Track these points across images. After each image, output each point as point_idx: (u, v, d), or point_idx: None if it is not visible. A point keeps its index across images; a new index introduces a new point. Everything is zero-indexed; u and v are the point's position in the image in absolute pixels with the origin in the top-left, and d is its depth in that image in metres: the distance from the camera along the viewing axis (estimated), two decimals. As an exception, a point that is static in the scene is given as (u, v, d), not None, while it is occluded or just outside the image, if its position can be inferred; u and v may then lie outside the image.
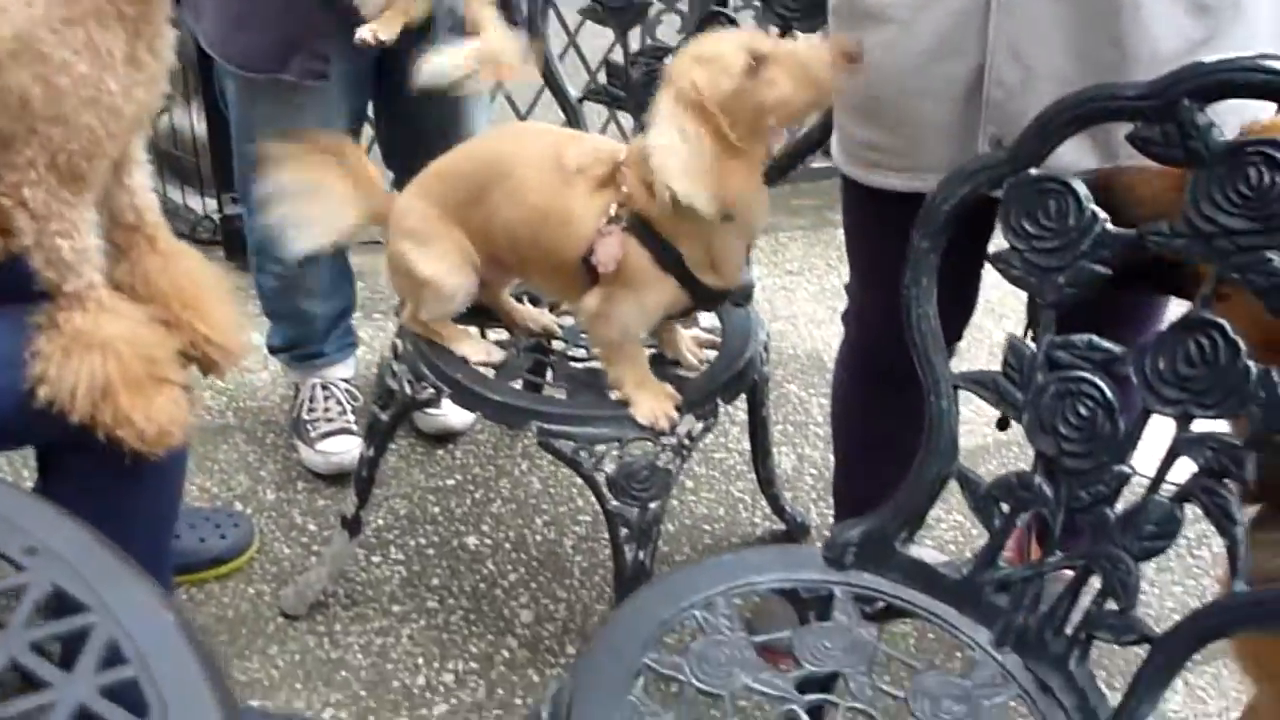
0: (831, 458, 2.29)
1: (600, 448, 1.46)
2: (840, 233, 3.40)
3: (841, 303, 2.86)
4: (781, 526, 2.10)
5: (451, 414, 2.25)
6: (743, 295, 1.70)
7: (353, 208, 1.54)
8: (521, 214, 1.43)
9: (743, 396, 1.78)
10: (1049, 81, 1.27)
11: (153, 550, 1.42)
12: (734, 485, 2.22)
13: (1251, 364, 0.97)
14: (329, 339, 2.20)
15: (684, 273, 1.40)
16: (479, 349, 1.56)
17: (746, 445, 2.01)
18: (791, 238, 3.27)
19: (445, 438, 2.28)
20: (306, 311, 2.14)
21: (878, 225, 1.52)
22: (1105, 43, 1.26)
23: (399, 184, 1.89)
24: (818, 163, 3.45)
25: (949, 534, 2.13)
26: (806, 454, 2.34)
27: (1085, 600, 1.10)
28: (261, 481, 2.14)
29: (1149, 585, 2.07)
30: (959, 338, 1.71)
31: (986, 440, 2.39)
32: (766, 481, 2.00)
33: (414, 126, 1.96)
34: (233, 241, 2.82)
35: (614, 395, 1.48)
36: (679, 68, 1.32)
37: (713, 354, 1.62)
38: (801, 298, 2.96)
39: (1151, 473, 1.04)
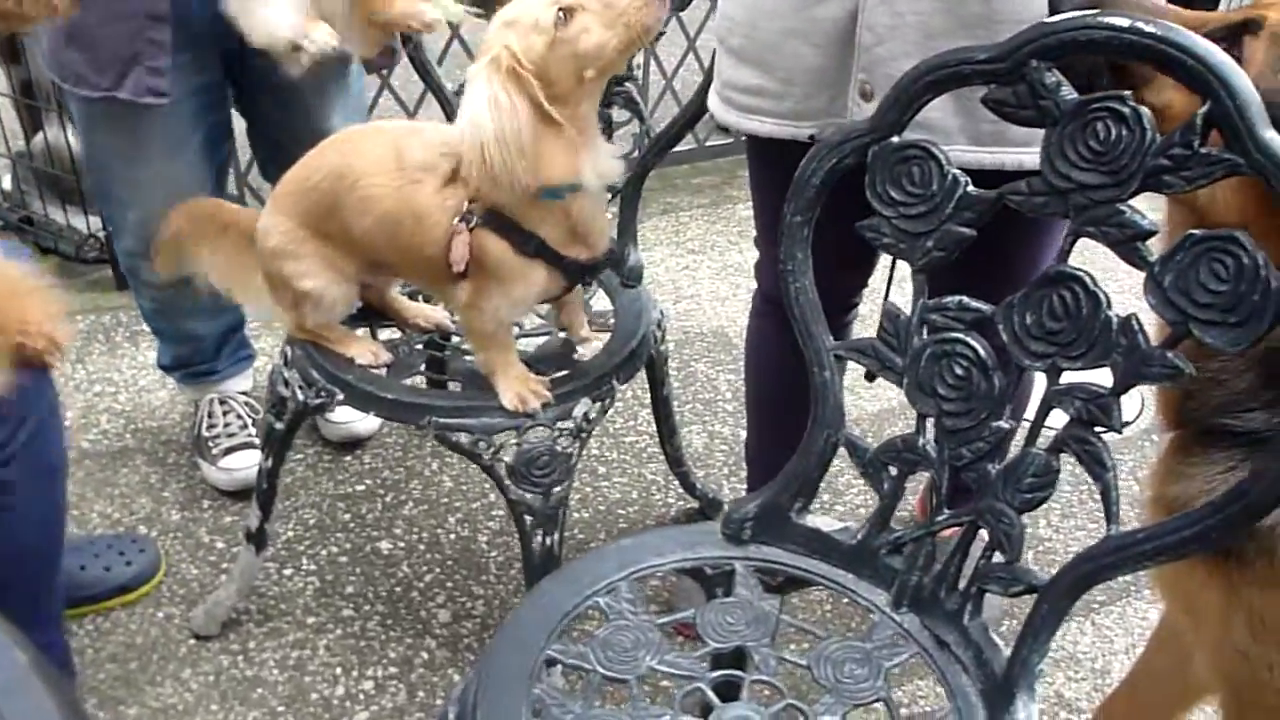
0: (742, 433, 2.32)
1: (498, 437, 1.45)
2: (740, 209, 3.44)
3: (745, 278, 2.91)
4: (695, 505, 2.11)
5: (356, 420, 2.22)
6: (633, 276, 1.71)
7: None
8: (374, 221, 1.40)
9: (645, 377, 1.79)
10: (915, 30, 1.30)
11: (34, 592, 1.38)
12: (646, 468, 2.23)
13: (1113, 314, 1.00)
14: (221, 355, 2.15)
15: (549, 254, 1.38)
16: (365, 349, 1.54)
17: (655, 425, 2.02)
18: (692, 216, 3.28)
19: (353, 444, 2.25)
20: (192, 330, 2.09)
21: (777, 175, 1.54)
22: None
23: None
24: (715, 140, 3.50)
25: (859, 498, 2.16)
26: (717, 430, 2.36)
27: (976, 554, 1.13)
28: (165, 503, 2.09)
29: (1054, 532, 2.13)
30: (857, 301, 1.74)
31: (892, 404, 2.44)
32: (675, 460, 2.01)
33: (281, 135, 1.90)
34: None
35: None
36: (490, 35, 1.28)
37: (606, 336, 1.62)
38: (704, 276, 2.97)
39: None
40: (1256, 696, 1.12)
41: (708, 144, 3.48)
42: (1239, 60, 0.96)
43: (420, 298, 1.74)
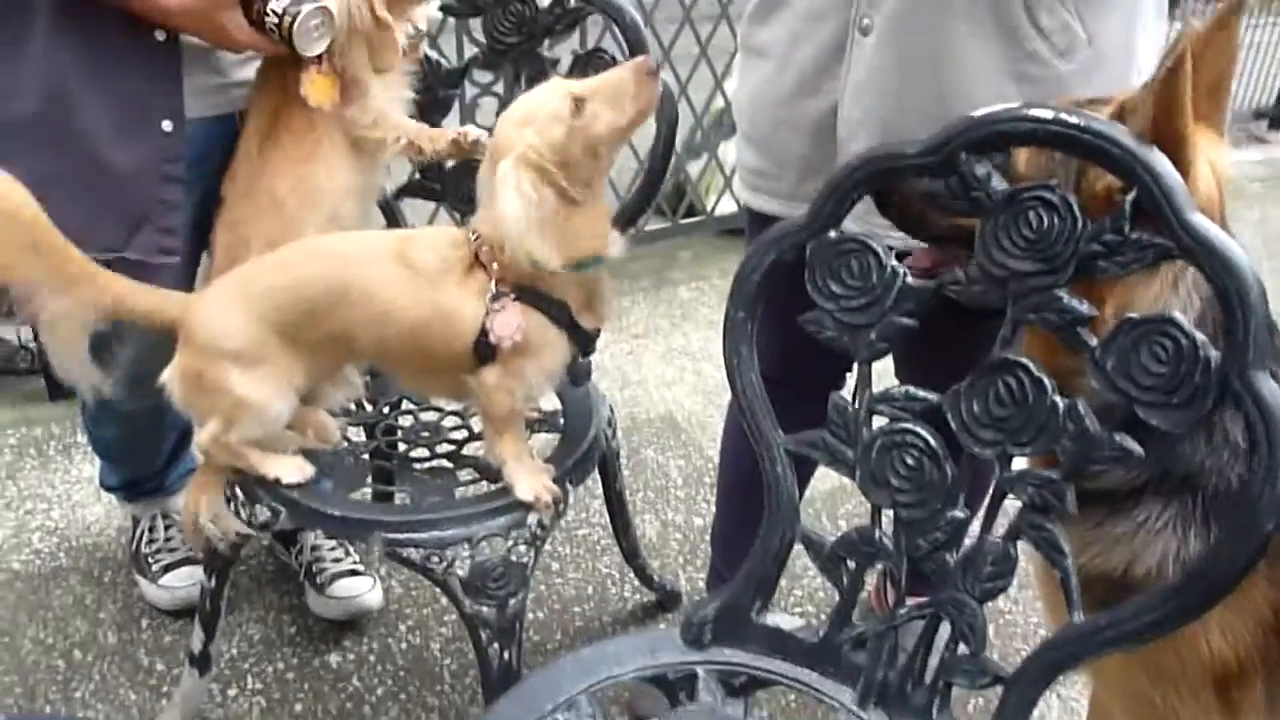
0: (696, 519, 2.30)
1: (450, 550, 1.41)
2: (681, 291, 3.46)
3: (690, 361, 2.91)
4: (653, 597, 2.07)
5: (363, 592, 1.99)
6: (581, 372, 1.69)
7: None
8: (400, 331, 1.39)
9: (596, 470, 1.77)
10: (878, 125, 1.39)
11: None
12: (600, 561, 2.19)
13: (1058, 399, 1.00)
14: (170, 470, 2.08)
15: (572, 323, 1.41)
16: (292, 467, 1.47)
17: (608, 518, 1.98)
18: (634, 301, 3.28)
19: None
20: (150, 458, 2.02)
21: None
22: (930, 97, 1.35)
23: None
24: (653, 225, 3.53)
25: (815, 581, 2.14)
26: (669, 519, 2.33)
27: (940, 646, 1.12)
28: (101, 624, 2.01)
29: (1013, 604, 2.13)
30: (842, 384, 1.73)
31: (844, 482, 2.43)
32: (631, 554, 1.98)
33: None
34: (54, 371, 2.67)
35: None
36: (506, 134, 1.33)
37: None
38: (649, 360, 2.97)
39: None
40: None
41: (646, 229, 3.50)
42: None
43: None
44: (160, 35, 1.48)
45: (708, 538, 2.15)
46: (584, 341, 1.45)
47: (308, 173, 1.54)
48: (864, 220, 1.44)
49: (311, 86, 1.51)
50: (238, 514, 1.50)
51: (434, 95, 1.74)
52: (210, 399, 1.44)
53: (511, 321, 1.36)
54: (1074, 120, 0.96)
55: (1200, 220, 0.91)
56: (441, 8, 1.70)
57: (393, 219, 1.83)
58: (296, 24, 1.44)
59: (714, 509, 1.97)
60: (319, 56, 1.49)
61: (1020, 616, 2.09)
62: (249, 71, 1.60)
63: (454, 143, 1.56)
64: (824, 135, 1.46)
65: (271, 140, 1.55)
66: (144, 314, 1.46)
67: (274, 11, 1.45)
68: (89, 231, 1.50)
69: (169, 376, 1.46)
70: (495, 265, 1.36)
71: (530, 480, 1.45)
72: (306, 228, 1.52)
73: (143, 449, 2.02)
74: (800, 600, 2.10)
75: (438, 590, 2.06)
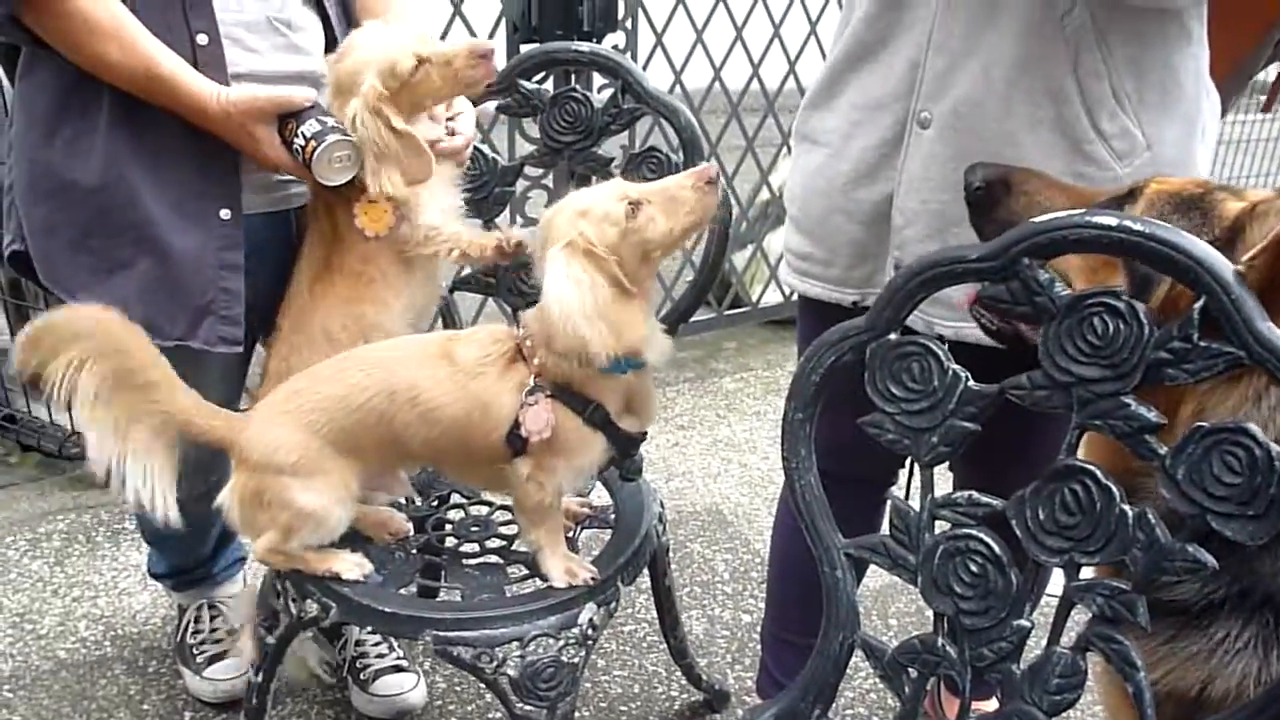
0: (744, 615, 2.27)
1: (501, 650, 1.40)
2: (725, 382, 3.46)
3: (735, 453, 2.90)
4: (700, 697, 2.03)
5: (407, 690, 1.97)
6: (632, 469, 1.69)
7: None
8: (443, 429, 1.42)
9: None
10: (936, 217, 1.42)
11: None
12: (646, 658, 2.15)
13: (1128, 508, 0.98)
14: (217, 559, 2.09)
15: (610, 425, 1.42)
16: (351, 565, 1.49)
17: (655, 614, 1.96)
18: (679, 391, 3.28)
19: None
20: (198, 546, 2.04)
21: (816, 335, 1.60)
22: None
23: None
24: (697, 315, 3.54)
25: (867, 682, 2.09)
26: (716, 615, 2.30)
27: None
28: (144, 716, 1.99)
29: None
30: (894, 480, 1.72)
31: (895, 580, 2.39)
32: (679, 652, 1.95)
33: None
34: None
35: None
36: (562, 223, 1.35)
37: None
38: (694, 452, 2.96)
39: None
40: None
41: (691, 320, 3.52)
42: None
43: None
44: None
45: (756, 635, 2.11)
46: (625, 444, 1.46)
47: (360, 311, 1.57)
48: (920, 310, 1.44)
49: (365, 216, 1.53)
50: (289, 608, 1.49)
51: (489, 192, 1.77)
52: (270, 513, 1.45)
53: (542, 416, 1.37)
54: (1139, 227, 0.95)
55: (1271, 329, 0.90)
56: (500, 108, 1.74)
57: (446, 312, 1.85)
58: (318, 152, 1.46)
59: (762, 606, 1.94)
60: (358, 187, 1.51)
61: (1081, 710, 2.03)
62: None
63: (497, 249, 1.57)
64: (878, 222, 1.48)
65: (324, 282, 1.58)
66: (201, 432, 1.48)
67: (303, 134, 1.47)
68: (158, 320, 1.55)
69: (226, 498, 1.48)
70: (536, 360, 1.38)
71: (561, 565, 1.46)
72: None
73: (191, 537, 2.02)
74: (851, 702, 2.05)
75: (481, 687, 2.05)
